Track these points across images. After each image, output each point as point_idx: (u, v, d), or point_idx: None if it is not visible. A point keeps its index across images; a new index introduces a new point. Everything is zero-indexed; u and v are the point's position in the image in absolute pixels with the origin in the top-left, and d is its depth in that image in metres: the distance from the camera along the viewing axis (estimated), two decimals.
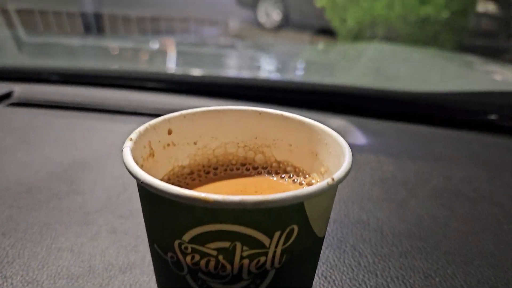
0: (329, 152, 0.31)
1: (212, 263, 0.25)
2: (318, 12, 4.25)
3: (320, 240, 0.29)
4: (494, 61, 1.54)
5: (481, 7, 4.61)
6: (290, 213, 0.24)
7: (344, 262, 0.40)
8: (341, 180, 0.26)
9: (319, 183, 0.25)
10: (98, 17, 2.50)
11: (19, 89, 0.79)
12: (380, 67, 1.23)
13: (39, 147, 0.61)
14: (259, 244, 0.25)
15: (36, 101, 0.76)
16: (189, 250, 0.25)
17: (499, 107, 0.72)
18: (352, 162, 0.28)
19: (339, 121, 0.71)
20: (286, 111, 0.34)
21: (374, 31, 3.53)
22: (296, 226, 0.25)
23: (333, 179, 0.25)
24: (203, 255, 0.25)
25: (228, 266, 0.25)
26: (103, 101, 0.76)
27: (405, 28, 3.45)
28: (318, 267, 0.39)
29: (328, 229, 0.45)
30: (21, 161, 0.57)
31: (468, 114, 0.74)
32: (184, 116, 0.33)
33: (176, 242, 0.25)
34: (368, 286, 0.37)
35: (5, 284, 0.36)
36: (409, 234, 0.44)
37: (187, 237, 0.25)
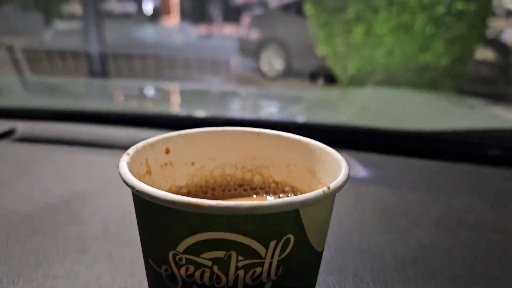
0: (326, 169, 0.31)
1: (207, 275, 0.25)
2: (319, 60, 4.37)
3: (318, 255, 0.28)
4: (494, 103, 1.56)
5: (480, 54, 4.72)
6: (286, 221, 0.24)
7: (345, 287, 0.39)
8: (337, 189, 0.26)
9: (314, 191, 0.24)
10: (103, 59, 2.58)
11: (22, 126, 0.80)
12: (381, 108, 1.25)
13: (39, 180, 0.61)
14: (255, 253, 0.24)
15: (38, 137, 0.77)
16: (184, 261, 0.25)
17: (499, 141, 0.72)
18: (349, 175, 0.28)
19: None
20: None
21: (374, 78, 3.61)
22: (292, 235, 0.24)
23: (328, 188, 0.25)
24: (198, 266, 0.24)
25: (223, 278, 0.25)
26: (104, 137, 0.77)
27: (405, 75, 3.52)
28: None
29: (328, 256, 0.44)
30: (20, 192, 0.57)
31: (468, 148, 0.74)
32: (182, 136, 0.34)
33: (171, 254, 0.25)
34: None
35: None
36: (411, 261, 0.43)
37: (181, 247, 0.24)
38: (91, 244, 0.46)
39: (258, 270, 0.24)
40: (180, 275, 0.25)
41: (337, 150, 0.67)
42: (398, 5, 3.28)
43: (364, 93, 1.72)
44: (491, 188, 0.62)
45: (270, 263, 0.24)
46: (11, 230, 0.48)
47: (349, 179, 0.28)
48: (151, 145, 0.32)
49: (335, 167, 0.30)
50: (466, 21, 3.24)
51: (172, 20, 17.89)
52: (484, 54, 4.84)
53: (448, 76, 3.50)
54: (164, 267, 0.26)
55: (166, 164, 0.33)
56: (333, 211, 0.36)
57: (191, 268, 0.25)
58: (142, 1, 15.98)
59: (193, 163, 0.35)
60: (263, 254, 0.24)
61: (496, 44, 5.31)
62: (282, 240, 0.24)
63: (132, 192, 0.26)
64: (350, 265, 0.43)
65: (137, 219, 0.28)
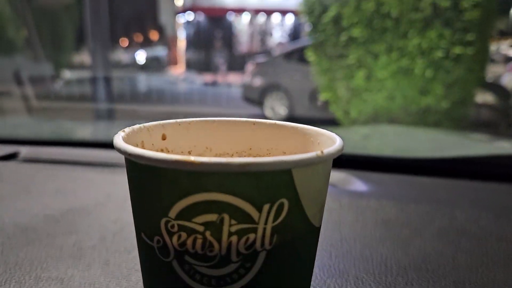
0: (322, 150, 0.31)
1: (199, 242, 0.24)
2: (322, 105, 4.42)
3: (315, 231, 0.28)
4: (496, 139, 1.57)
5: (480, 98, 4.78)
6: (279, 182, 0.23)
7: None
8: (330, 155, 0.25)
9: (308, 153, 0.24)
10: (110, 106, 2.65)
11: (25, 150, 0.83)
12: (384, 140, 1.26)
13: (39, 196, 0.62)
14: (248, 217, 0.23)
15: (40, 158, 0.80)
16: (176, 228, 0.24)
17: (502, 159, 0.72)
18: (343, 146, 0.28)
19: (339, 173, 0.71)
20: None
21: (376, 121, 3.64)
22: (286, 200, 0.24)
23: (322, 152, 0.24)
24: (190, 232, 0.24)
25: (216, 245, 0.24)
26: (102, 158, 0.79)
27: (406, 118, 3.55)
28: None
29: (330, 261, 0.43)
30: (20, 207, 0.58)
31: (470, 164, 0.74)
32: (179, 123, 0.34)
33: (163, 221, 0.24)
34: None
35: None
36: (415, 267, 0.43)
37: (173, 212, 0.24)
38: (87, 251, 0.46)
39: (252, 236, 0.24)
40: (172, 244, 0.24)
41: (338, 169, 0.67)
42: (397, 50, 3.36)
43: (367, 128, 1.73)
44: (494, 201, 0.61)
45: (264, 229, 0.24)
46: (7, 239, 0.48)
47: (342, 149, 0.27)
48: (148, 128, 0.32)
49: (331, 144, 0.29)
50: (464, 65, 3.30)
51: (179, 70, 18.37)
52: (485, 97, 4.90)
53: (450, 119, 3.53)
54: (156, 238, 0.25)
55: (162, 150, 0.33)
56: (334, 223, 0.36)
57: (183, 235, 0.24)
58: (149, 52, 16.48)
59: (189, 152, 0.35)
60: (256, 218, 0.23)
61: (496, 88, 5.40)
62: (276, 205, 0.24)
63: (126, 161, 0.26)
64: (352, 270, 0.42)
65: (130, 193, 0.28)
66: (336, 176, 0.70)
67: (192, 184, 0.23)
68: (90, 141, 0.94)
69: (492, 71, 5.42)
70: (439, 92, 3.38)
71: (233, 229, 0.24)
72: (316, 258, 0.33)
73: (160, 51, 17.63)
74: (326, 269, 0.42)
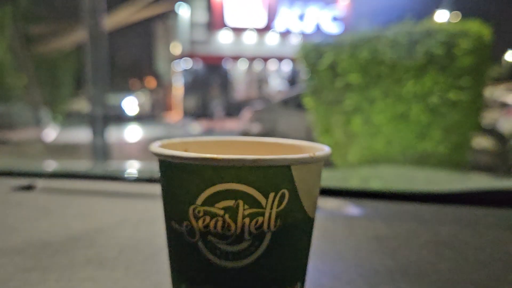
0: None
1: (220, 223, 0.29)
2: None
3: (310, 221, 0.33)
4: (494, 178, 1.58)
5: (478, 143, 4.84)
6: (281, 175, 0.29)
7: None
8: (320, 157, 0.31)
9: (303, 154, 0.30)
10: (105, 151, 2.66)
11: (42, 182, 0.93)
12: (383, 183, 1.27)
13: (60, 219, 0.69)
14: (257, 203, 0.29)
15: (56, 189, 0.89)
16: (201, 213, 0.29)
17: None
18: (331, 153, 0.34)
19: (334, 200, 0.79)
20: None
21: (374, 165, 3.64)
22: (286, 191, 0.29)
23: (314, 154, 0.31)
24: (212, 215, 0.29)
25: (233, 225, 0.29)
26: (115, 189, 0.88)
27: (405, 162, 3.56)
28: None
29: (325, 267, 0.48)
30: (43, 228, 0.64)
31: (455, 194, 0.81)
32: (197, 142, 0.41)
33: (191, 208, 0.30)
34: None
35: None
36: (401, 271, 0.47)
37: (199, 200, 0.29)
38: (109, 260, 0.52)
39: (260, 219, 0.29)
40: (198, 227, 0.30)
41: (334, 197, 0.73)
42: (393, 96, 3.43)
43: (366, 170, 1.78)
44: (474, 221, 0.68)
45: (270, 213, 0.29)
46: (39, 250, 0.55)
47: (330, 154, 0.34)
48: (174, 143, 0.39)
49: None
50: (460, 110, 3.36)
51: (175, 116, 18.58)
52: (482, 142, 4.96)
53: (448, 163, 3.54)
54: (185, 223, 0.30)
55: None
56: (327, 239, 0.49)
57: (207, 219, 0.29)
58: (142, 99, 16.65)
59: None
60: (263, 204, 0.29)
61: (493, 133, 5.48)
62: (279, 193, 0.29)
63: (160, 163, 0.32)
64: (345, 273, 0.46)
65: (162, 190, 0.33)
66: (333, 202, 0.77)
67: (215, 176, 0.28)
68: (99, 174, 1.03)
69: (489, 116, 5.52)
70: (436, 137, 3.42)
71: (246, 212, 0.29)
72: (313, 264, 0.43)
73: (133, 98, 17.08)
74: (319, 273, 0.46)
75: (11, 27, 12.52)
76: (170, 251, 0.34)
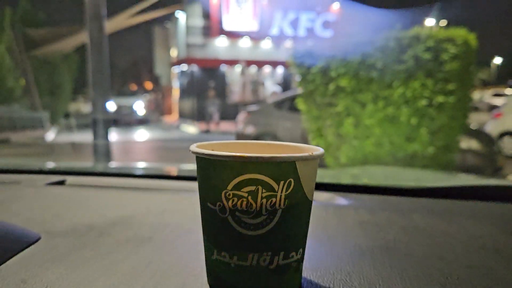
0: None
1: (244, 203, 0.41)
2: None
3: (309, 203, 0.44)
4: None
5: (466, 144, 4.95)
6: (288, 168, 0.41)
7: (328, 255, 0.55)
8: (316, 155, 0.42)
9: (304, 153, 0.41)
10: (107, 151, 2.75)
11: (71, 178, 1.03)
12: (372, 180, 1.36)
13: (92, 208, 0.78)
14: (272, 188, 0.40)
15: (85, 184, 1.00)
16: (231, 196, 0.41)
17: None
18: (324, 153, 0.44)
19: (327, 194, 0.89)
20: None
21: (364, 166, 3.75)
22: (292, 180, 0.41)
23: (312, 153, 0.42)
24: (239, 197, 0.40)
25: (254, 204, 0.41)
26: (135, 183, 0.98)
27: (394, 163, 3.66)
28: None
29: (319, 246, 0.59)
30: (81, 215, 0.74)
31: (432, 189, 0.92)
32: (221, 143, 0.51)
33: (223, 193, 0.41)
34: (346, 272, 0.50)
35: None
36: (381, 249, 0.58)
37: (230, 186, 0.40)
38: (145, 239, 0.61)
39: (273, 200, 0.41)
40: (228, 206, 0.41)
41: (325, 192, 0.81)
42: (383, 99, 3.51)
43: (356, 169, 1.84)
44: (449, 212, 0.77)
45: (280, 196, 0.41)
46: (82, 234, 0.63)
47: (324, 154, 0.44)
48: (203, 145, 0.48)
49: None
50: (447, 113, 3.45)
51: (173, 118, 18.62)
52: (469, 143, 5.06)
53: (436, 164, 3.64)
54: (218, 203, 0.42)
55: None
56: (321, 224, 0.61)
57: (235, 200, 0.41)
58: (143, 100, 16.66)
59: None
60: (276, 189, 0.40)
61: (480, 134, 5.57)
62: (287, 181, 0.41)
63: (198, 159, 0.43)
64: (334, 251, 0.57)
65: (199, 180, 0.44)
66: (326, 196, 0.87)
67: (241, 169, 0.40)
68: (118, 172, 1.15)
69: (478, 119, 5.62)
70: (424, 139, 3.50)
71: (264, 195, 0.40)
72: (310, 244, 0.51)
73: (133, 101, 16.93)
74: (317, 250, 0.57)
75: (11, 30, 12.56)
76: (204, 225, 0.45)
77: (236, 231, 0.41)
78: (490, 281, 0.47)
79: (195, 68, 16.98)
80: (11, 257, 0.53)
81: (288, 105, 6.44)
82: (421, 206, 0.80)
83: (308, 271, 0.49)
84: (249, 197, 0.40)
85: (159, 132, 13.75)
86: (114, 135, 12.01)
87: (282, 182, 0.40)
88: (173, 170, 1.28)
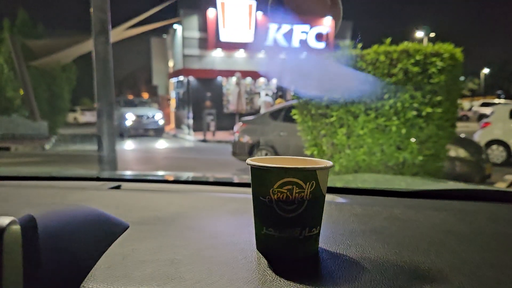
0: None
1: (284, 196, 0.60)
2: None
3: (323, 197, 0.63)
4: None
5: (454, 152, 5.13)
6: (312, 174, 0.59)
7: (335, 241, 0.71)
8: (329, 167, 0.61)
9: (322, 165, 0.60)
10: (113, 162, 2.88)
11: (125, 184, 1.21)
12: (363, 185, 1.52)
13: (149, 206, 0.92)
14: (301, 187, 0.59)
15: (136, 189, 1.16)
16: (276, 192, 0.60)
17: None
18: (333, 165, 0.63)
19: (329, 195, 1.05)
20: None
21: (357, 173, 3.90)
22: (314, 181, 0.60)
23: (326, 165, 0.61)
24: (281, 193, 0.59)
25: (290, 197, 0.60)
26: (175, 189, 1.17)
27: (385, 171, 3.81)
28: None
29: (323, 230, 0.74)
30: (143, 211, 0.88)
31: (414, 192, 1.10)
32: (266, 158, 0.68)
33: (270, 190, 0.60)
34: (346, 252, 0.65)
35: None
36: (370, 231, 0.75)
37: (275, 186, 0.59)
38: (201, 226, 0.77)
39: (303, 194, 0.60)
40: (274, 198, 0.60)
41: (328, 193, 0.99)
42: (374, 110, 3.67)
43: (349, 176, 2.00)
44: (425, 208, 0.94)
45: (307, 192, 0.60)
46: (152, 224, 0.78)
47: (333, 166, 0.63)
48: (254, 159, 0.65)
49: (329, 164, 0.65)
50: (435, 122, 3.60)
51: (169, 127, 18.76)
52: (458, 152, 5.23)
53: (425, 172, 3.79)
54: (267, 197, 0.61)
55: None
56: (326, 214, 0.72)
57: (278, 194, 0.60)
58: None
59: None
60: (304, 187, 0.59)
61: (469, 143, 5.75)
62: (311, 183, 0.60)
63: (253, 168, 0.62)
64: (334, 234, 0.74)
65: (253, 180, 0.62)
66: (328, 196, 1.02)
67: (283, 174, 0.59)
68: (163, 179, 1.36)
69: (467, 127, 5.78)
70: (414, 148, 3.65)
71: (296, 191, 0.59)
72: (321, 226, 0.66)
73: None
74: (325, 231, 0.74)
75: (10, 41, 12.71)
76: (256, 211, 0.63)
77: (279, 214, 0.60)
78: (444, 250, 0.65)
79: (192, 78, 17.16)
80: (116, 239, 0.68)
81: (283, 115, 6.60)
82: (400, 203, 0.98)
83: (321, 243, 0.68)
84: (287, 193, 0.59)
85: (161, 141, 14.00)
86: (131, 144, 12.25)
87: (308, 183, 0.59)
88: (207, 176, 1.51)
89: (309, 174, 0.59)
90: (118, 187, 1.15)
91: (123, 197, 1.02)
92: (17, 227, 0.46)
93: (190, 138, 14.42)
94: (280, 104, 11.05)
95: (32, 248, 0.47)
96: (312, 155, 4.30)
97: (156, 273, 0.55)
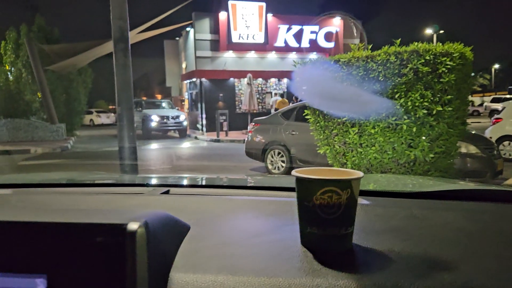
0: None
1: (325, 202, 0.70)
2: (319, 158, 4.76)
3: (356, 201, 0.74)
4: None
5: (465, 149, 5.16)
6: (347, 184, 0.71)
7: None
8: (360, 177, 0.72)
9: (354, 176, 0.71)
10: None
11: (172, 189, 1.29)
12: (376, 187, 1.61)
13: (198, 208, 1.02)
14: (339, 194, 0.70)
15: (182, 193, 1.28)
16: (318, 198, 0.70)
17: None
18: (363, 175, 0.74)
19: None
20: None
21: (370, 171, 3.98)
22: (349, 189, 0.71)
23: (358, 176, 0.72)
24: (323, 199, 0.70)
25: (331, 202, 0.70)
26: (219, 193, 1.27)
27: (397, 168, 3.88)
28: None
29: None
30: (195, 212, 0.97)
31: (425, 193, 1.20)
32: (308, 170, 0.78)
33: (314, 197, 0.71)
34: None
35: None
36: (390, 228, 0.85)
37: (318, 193, 0.70)
38: (246, 224, 0.89)
39: (340, 200, 0.70)
40: (316, 204, 0.71)
41: None
42: (385, 109, 3.72)
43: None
44: (434, 208, 1.03)
45: (344, 198, 0.71)
46: (211, 222, 0.86)
47: (363, 176, 0.73)
48: (298, 171, 0.75)
49: (360, 175, 0.75)
50: (445, 121, 3.62)
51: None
52: (468, 148, 5.26)
53: (436, 169, 3.85)
54: (311, 202, 0.71)
55: None
56: (356, 214, 0.80)
57: (321, 200, 0.70)
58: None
59: None
60: (342, 194, 0.70)
61: (481, 139, 5.76)
62: (347, 190, 0.71)
63: (298, 179, 0.72)
64: (359, 230, 0.83)
65: (298, 188, 0.74)
66: None
67: (324, 184, 0.70)
68: (208, 184, 1.48)
69: (479, 123, 5.76)
70: (425, 146, 3.71)
71: (335, 197, 0.70)
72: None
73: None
74: (355, 230, 0.82)
75: (27, 46, 12.99)
76: (300, 214, 0.72)
77: (321, 216, 0.71)
78: (455, 245, 0.76)
79: (204, 79, 17.32)
80: (184, 238, 0.77)
81: (296, 115, 6.68)
82: (415, 204, 1.07)
83: (354, 239, 0.77)
84: (328, 199, 0.70)
85: (174, 141, 14.32)
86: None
87: (344, 191, 0.70)
88: (244, 180, 1.65)
89: (345, 184, 0.70)
90: (167, 192, 1.24)
91: (174, 201, 1.12)
92: (142, 230, 0.57)
93: (204, 137, 14.63)
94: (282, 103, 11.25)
95: (152, 248, 0.59)
96: (324, 153, 4.39)
97: (226, 265, 0.66)
